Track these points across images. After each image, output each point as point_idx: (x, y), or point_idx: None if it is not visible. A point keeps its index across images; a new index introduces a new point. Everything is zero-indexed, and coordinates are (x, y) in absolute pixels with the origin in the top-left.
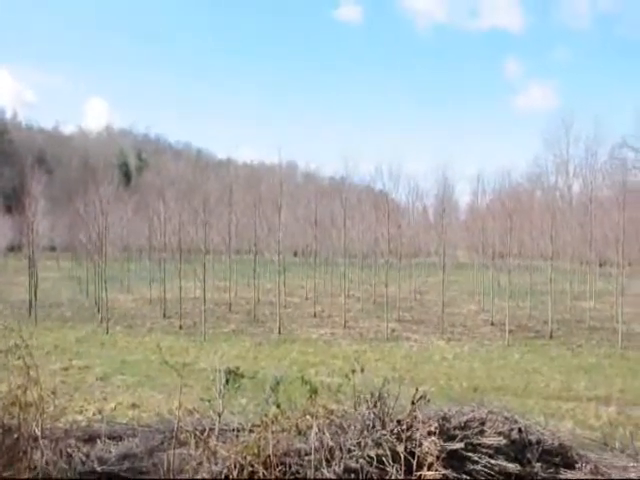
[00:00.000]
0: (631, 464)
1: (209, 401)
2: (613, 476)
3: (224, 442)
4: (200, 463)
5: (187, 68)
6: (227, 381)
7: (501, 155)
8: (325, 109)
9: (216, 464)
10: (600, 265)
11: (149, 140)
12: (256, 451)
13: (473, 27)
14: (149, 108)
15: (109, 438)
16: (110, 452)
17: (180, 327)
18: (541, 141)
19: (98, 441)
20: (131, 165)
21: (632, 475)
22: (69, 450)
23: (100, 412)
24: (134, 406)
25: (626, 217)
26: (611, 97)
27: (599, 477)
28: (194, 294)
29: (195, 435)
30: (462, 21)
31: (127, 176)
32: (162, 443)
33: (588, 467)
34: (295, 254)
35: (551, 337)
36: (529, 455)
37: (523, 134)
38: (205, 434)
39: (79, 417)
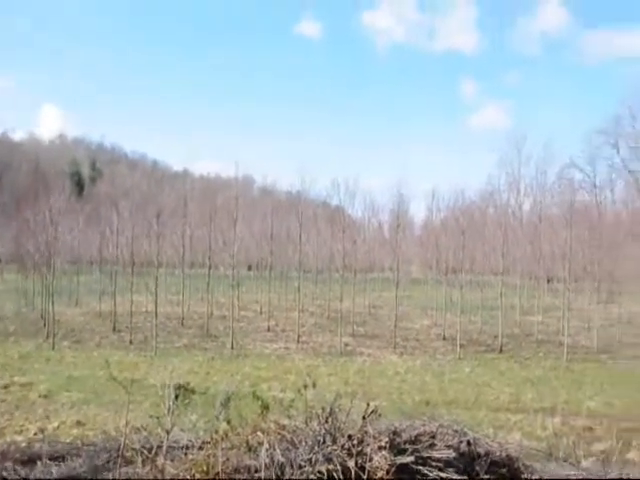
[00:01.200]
0: (572, 472)
1: (158, 418)
2: None
3: (172, 460)
4: None
5: (144, 78)
6: (177, 397)
7: (456, 173)
8: (283, 123)
9: None
10: (548, 281)
11: (104, 149)
12: (205, 468)
13: (431, 48)
14: (105, 117)
15: (50, 459)
16: (51, 473)
17: (130, 342)
18: (494, 160)
19: (39, 462)
20: (84, 174)
21: None
22: (4, 473)
23: (42, 431)
24: (79, 424)
25: (573, 235)
26: (560, 119)
27: None
28: (146, 308)
29: (142, 453)
30: (420, 41)
31: (80, 185)
32: (108, 462)
33: (534, 477)
34: (249, 268)
35: (501, 351)
36: (477, 467)
37: (477, 153)
38: (153, 452)
39: (18, 437)
